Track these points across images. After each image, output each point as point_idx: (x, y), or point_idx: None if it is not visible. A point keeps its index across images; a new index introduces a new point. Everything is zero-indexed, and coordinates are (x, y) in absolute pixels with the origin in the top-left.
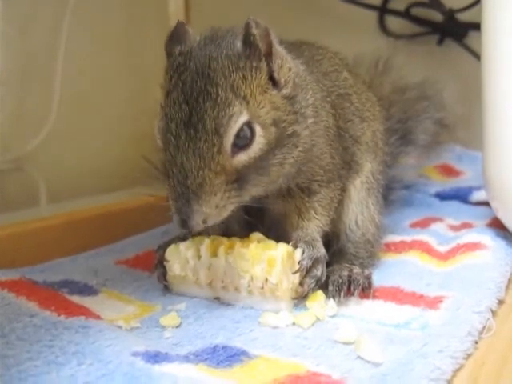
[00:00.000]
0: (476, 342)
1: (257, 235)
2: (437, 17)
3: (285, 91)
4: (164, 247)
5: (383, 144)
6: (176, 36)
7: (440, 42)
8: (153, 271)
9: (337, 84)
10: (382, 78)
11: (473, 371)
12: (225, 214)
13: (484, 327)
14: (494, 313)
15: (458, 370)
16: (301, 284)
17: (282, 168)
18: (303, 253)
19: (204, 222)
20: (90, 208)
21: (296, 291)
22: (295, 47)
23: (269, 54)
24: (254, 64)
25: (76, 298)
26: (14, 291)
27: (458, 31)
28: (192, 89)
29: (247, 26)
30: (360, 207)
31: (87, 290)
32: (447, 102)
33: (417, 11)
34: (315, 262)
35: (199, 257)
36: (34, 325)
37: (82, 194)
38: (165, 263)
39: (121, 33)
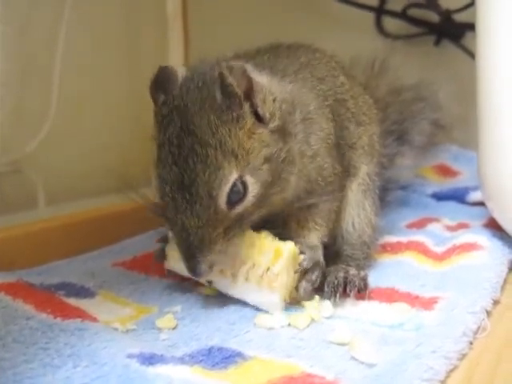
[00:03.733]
0: (471, 343)
1: (266, 233)
2: (433, 18)
3: (272, 125)
4: (165, 239)
5: (379, 146)
6: (159, 82)
7: (437, 42)
8: (154, 250)
9: (333, 89)
10: (378, 78)
11: (467, 371)
12: (228, 249)
13: (479, 327)
14: (488, 313)
15: (452, 370)
16: (296, 288)
17: (285, 192)
18: (305, 255)
19: (211, 266)
20: (87, 210)
21: (291, 295)
22: (291, 51)
23: (250, 91)
24: (236, 114)
25: (73, 301)
26: (11, 294)
27: (455, 32)
28: (180, 148)
29: (221, 78)
30: (357, 209)
31: (84, 293)
32: (444, 103)
33: (413, 12)
34: (315, 265)
35: None
36: (31, 327)
37: (80, 196)
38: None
39: (119, 33)
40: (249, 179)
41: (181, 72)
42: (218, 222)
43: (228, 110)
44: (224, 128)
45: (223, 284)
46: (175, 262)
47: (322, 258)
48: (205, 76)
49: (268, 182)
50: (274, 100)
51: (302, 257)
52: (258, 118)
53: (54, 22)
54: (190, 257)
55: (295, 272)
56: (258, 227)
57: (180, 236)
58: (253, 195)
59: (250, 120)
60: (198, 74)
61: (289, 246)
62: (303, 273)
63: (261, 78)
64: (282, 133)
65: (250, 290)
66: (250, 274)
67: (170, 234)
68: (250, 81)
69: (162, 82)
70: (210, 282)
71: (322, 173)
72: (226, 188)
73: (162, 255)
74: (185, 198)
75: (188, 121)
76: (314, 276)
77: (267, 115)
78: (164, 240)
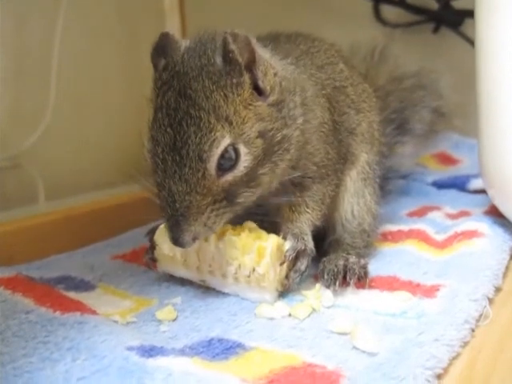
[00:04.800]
0: (473, 330)
1: (249, 224)
2: (432, 5)
3: (271, 98)
4: (154, 230)
5: (379, 135)
6: (160, 48)
7: (436, 30)
8: (143, 256)
9: (332, 77)
10: (378, 67)
11: (470, 359)
12: (215, 229)
13: (481, 315)
14: (490, 300)
15: (454, 358)
16: (287, 277)
17: (274, 174)
18: (289, 245)
19: (194, 239)
20: (86, 204)
21: (282, 283)
22: (291, 40)
23: (252, 62)
24: (235, 80)
25: (72, 294)
26: (10, 288)
27: (454, 19)
28: (176, 111)
29: (224, 42)
30: (356, 197)
31: (84, 286)
32: (444, 91)
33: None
34: (299, 254)
35: None
36: (30, 321)
37: (80, 190)
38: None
39: (116, 28)
40: (242, 148)
41: (184, 42)
42: (206, 189)
43: (227, 76)
44: (220, 93)
45: (216, 283)
46: (166, 265)
47: (310, 245)
48: (206, 45)
49: (260, 159)
50: (274, 74)
51: (287, 244)
52: (258, 91)
53: (51, 18)
54: (174, 225)
55: (280, 264)
56: (244, 218)
57: (166, 202)
58: (244, 165)
59: (248, 90)
60: (201, 43)
61: (271, 242)
62: (292, 261)
63: (263, 52)
64: (281, 111)
65: (241, 289)
66: (238, 274)
67: (156, 236)
68: (252, 52)
69: (162, 47)
70: (203, 281)
71: (313, 159)
72: (218, 151)
73: (152, 259)
74: (175, 161)
75: (186, 85)
76: (303, 266)
77: (267, 88)
78: (151, 233)
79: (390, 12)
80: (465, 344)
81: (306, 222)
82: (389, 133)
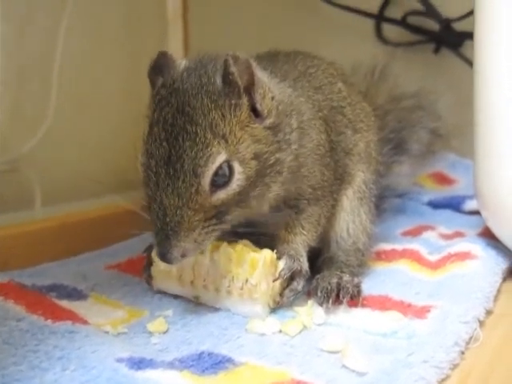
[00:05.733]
0: (463, 353)
1: (244, 242)
2: (433, 26)
3: (268, 121)
4: (152, 247)
5: (377, 154)
6: (158, 66)
7: (436, 50)
8: (142, 273)
9: (330, 97)
10: (378, 85)
11: (459, 381)
12: (204, 246)
13: (471, 337)
14: (481, 323)
15: (443, 380)
16: (281, 295)
17: (265, 197)
18: (284, 264)
19: (183, 255)
20: (82, 211)
21: (274, 300)
22: (290, 59)
23: (251, 85)
24: (234, 101)
25: (64, 303)
26: (2, 295)
27: (454, 40)
28: (172, 127)
29: (225, 64)
30: (352, 216)
31: (76, 295)
32: (442, 112)
33: (413, 20)
34: (295, 275)
35: None
36: (21, 329)
37: (77, 196)
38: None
39: (119, 32)
40: (236, 166)
41: (183, 62)
42: (199, 205)
43: (226, 97)
44: (218, 112)
45: (208, 298)
46: (162, 282)
47: (305, 266)
48: (207, 66)
49: (252, 180)
50: (272, 98)
51: (281, 262)
52: (255, 114)
53: (53, 21)
54: (163, 239)
55: (273, 280)
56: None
57: (156, 215)
58: (238, 184)
59: (245, 112)
60: (201, 64)
61: (264, 255)
62: (287, 280)
63: (262, 75)
64: (277, 135)
65: (234, 303)
66: (231, 287)
67: (153, 253)
68: (252, 75)
69: (160, 66)
70: (196, 297)
71: (308, 182)
72: (213, 167)
73: (150, 276)
74: (168, 174)
75: (184, 102)
76: (300, 286)
77: (265, 111)
78: (149, 249)
79: (391, 31)
80: (454, 366)
81: (301, 243)
82: (386, 152)
